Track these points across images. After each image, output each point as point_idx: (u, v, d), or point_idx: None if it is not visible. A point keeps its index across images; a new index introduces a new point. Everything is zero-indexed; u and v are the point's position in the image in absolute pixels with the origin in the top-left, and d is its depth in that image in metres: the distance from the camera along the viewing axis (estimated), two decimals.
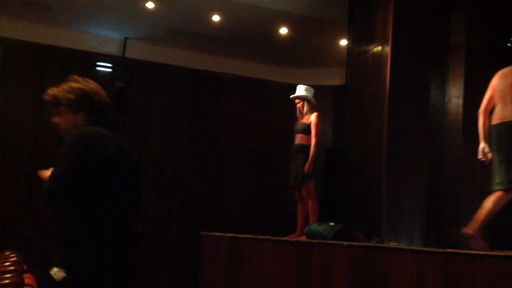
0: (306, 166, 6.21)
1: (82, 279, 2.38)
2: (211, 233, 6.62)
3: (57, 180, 2.41)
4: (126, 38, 8.55)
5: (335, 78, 8.93)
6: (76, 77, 2.71)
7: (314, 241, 4.85)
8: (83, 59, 8.38)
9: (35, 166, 7.83)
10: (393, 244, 4.70)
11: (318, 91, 6.99)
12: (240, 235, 5.72)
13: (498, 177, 4.35)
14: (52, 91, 2.65)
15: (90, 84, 2.69)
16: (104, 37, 8.56)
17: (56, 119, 2.67)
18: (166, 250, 8.47)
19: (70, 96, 2.61)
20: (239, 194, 9.06)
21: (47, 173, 2.53)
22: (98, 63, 8.56)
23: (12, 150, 7.90)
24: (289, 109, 7.92)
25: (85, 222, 2.43)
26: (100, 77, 8.54)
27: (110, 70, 8.60)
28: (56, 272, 2.35)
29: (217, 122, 9.14)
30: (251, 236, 5.57)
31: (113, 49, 8.58)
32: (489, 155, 4.49)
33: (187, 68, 8.93)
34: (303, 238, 5.48)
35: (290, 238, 5.67)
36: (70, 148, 2.45)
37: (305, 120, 6.48)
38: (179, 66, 8.87)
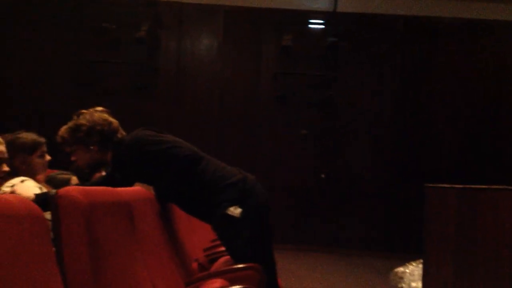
0: None
1: (250, 208, 2.67)
2: (436, 185, 6.28)
3: None
4: None
5: None
6: (81, 111, 2.81)
7: None
8: (295, 18, 8.51)
9: (253, 129, 8.31)
10: None
11: None
12: (472, 186, 5.32)
13: None
14: (61, 132, 2.79)
15: (94, 116, 2.78)
16: None
17: (73, 158, 2.84)
18: (384, 205, 8.35)
19: (77, 134, 2.75)
20: (453, 144, 8.49)
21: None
22: (310, 20, 8.62)
23: (232, 115, 8.42)
24: None
25: (208, 176, 2.74)
26: (312, 34, 8.62)
27: (322, 26, 8.61)
28: (234, 210, 2.61)
29: (431, 71, 8.60)
30: (484, 186, 5.15)
31: (324, 4, 8.55)
32: None
33: (399, 16, 8.52)
34: None
35: None
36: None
37: None
38: (391, 14, 8.51)
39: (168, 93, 8.47)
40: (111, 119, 2.86)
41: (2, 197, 1.36)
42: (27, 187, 2.70)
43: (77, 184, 3.06)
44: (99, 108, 2.89)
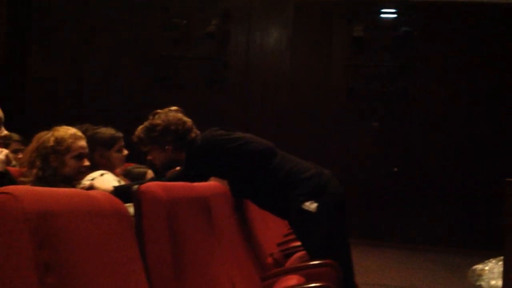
0: None
1: (325, 204, 2.63)
2: None
3: None
4: None
5: None
6: (157, 111, 2.83)
7: None
8: (367, 7, 8.33)
9: (323, 121, 8.18)
10: None
11: None
12: None
13: None
14: (137, 132, 2.82)
15: (169, 116, 2.79)
16: None
17: (149, 157, 2.88)
18: (460, 200, 8.05)
19: (152, 134, 2.77)
20: None
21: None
22: (382, 10, 8.41)
23: (302, 108, 8.35)
24: None
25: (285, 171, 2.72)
26: (384, 24, 8.41)
27: (394, 15, 8.37)
28: (309, 205, 2.59)
29: (510, 61, 8.14)
30: None
31: None
32: None
33: (475, 3, 8.12)
34: None
35: None
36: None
37: None
38: (466, 2, 8.13)
39: (237, 87, 8.51)
40: (185, 118, 2.87)
41: (90, 194, 1.38)
42: (106, 180, 2.77)
43: (152, 178, 3.11)
44: (174, 108, 2.91)
